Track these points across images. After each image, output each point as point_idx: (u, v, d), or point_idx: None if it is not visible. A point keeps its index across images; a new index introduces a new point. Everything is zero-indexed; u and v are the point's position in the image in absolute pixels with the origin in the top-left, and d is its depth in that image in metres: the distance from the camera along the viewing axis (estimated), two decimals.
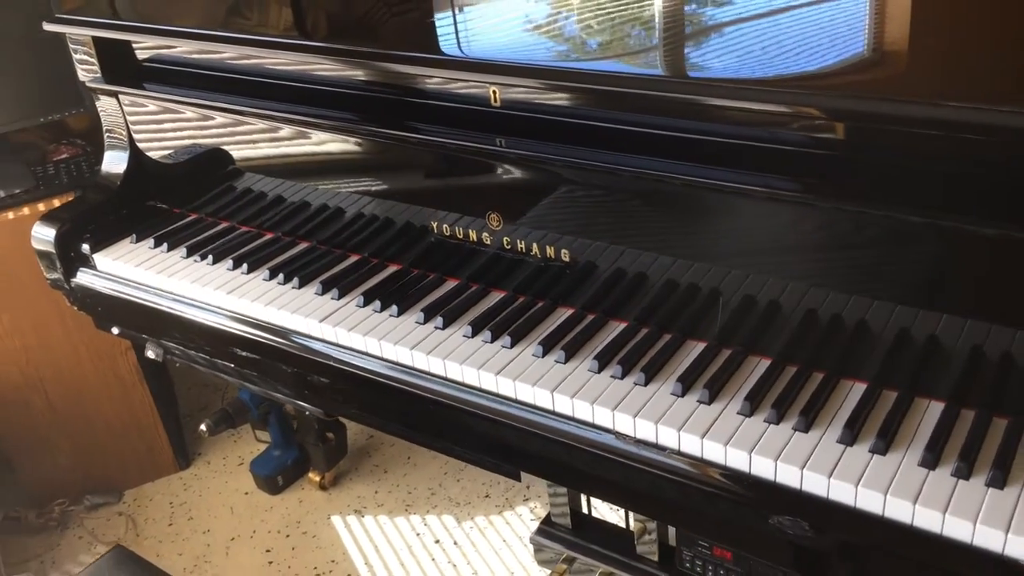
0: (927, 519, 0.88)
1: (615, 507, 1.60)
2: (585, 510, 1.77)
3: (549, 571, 1.77)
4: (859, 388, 1.02)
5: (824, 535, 0.93)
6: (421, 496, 2.09)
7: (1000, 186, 0.90)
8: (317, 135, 1.34)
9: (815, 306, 1.04)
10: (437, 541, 1.97)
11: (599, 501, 1.67)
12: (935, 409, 0.98)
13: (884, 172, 0.95)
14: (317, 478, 2.13)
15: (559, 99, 1.15)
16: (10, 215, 1.87)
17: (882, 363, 1.01)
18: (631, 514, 1.60)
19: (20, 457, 2.09)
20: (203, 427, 1.96)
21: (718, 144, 1.04)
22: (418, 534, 1.99)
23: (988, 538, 0.85)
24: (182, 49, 1.49)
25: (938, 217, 0.91)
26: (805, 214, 1.00)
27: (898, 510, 0.89)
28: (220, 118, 1.46)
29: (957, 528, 0.86)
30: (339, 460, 2.15)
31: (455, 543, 1.95)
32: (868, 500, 0.90)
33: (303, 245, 1.45)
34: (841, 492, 0.91)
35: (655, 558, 1.63)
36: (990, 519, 0.85)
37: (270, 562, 1.97)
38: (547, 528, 1.77)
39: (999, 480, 0.88)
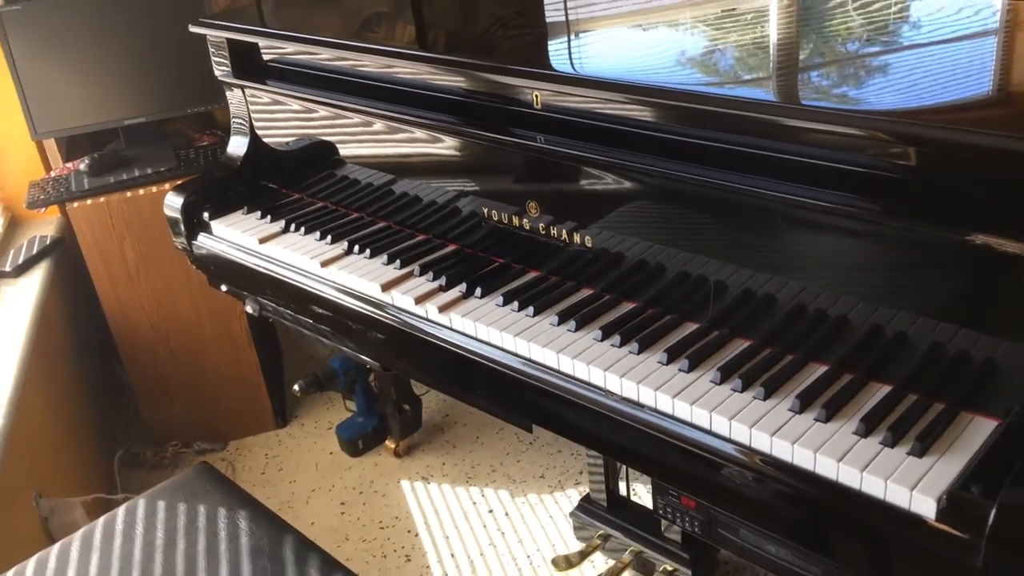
0: (848, 476, 1.00)
1: (644, 480, 1.73)
2: (623, 492, 1.93)
3: (584, 544, 1.93)
4: (821, 369, 1.15)
5: (763, 485, 1.07)
6: (483, 471, 2.28)
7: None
8: (408, 133, 1.57)
9: (806, 302, 1.18)
10: (491, 511, 2.15)
11: (634, 485, 1.80)
12: (882, 391, 1.10)
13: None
14: (392, 445, 2.36)
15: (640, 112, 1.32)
16: (153, 189, 2.19)
17: (847, 350, 1.14)
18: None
19: (145, 400, 2.41)
20: (296, 387, 2.22)
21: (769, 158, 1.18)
22: (474, 503, 2.18)
23: (906, 498, 0.97)
24: (296, 51, 1.75)
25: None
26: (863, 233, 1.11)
27: (825, 467, 1.02)
28: (322, 112, 1.71)
29: (873, 484, 0.99)
30: (413, 432, 2.38)
31: (506, 514, 2.14)
32: (802, 457, 1.04)
33: (380, 224, 1.68)
34: (782, 450, 1.05)
35: (678, 539, 1.78)
36: (902, 479, 0.97)
37: (342, 513, 2.21)
38: (586, 505, 1.94)
39: (918, 450, 1.00)
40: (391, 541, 2.11)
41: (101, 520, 1.45)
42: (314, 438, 2.47)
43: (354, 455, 2.38)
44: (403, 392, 2.32)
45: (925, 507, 0.95)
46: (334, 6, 2.01)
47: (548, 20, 1.69)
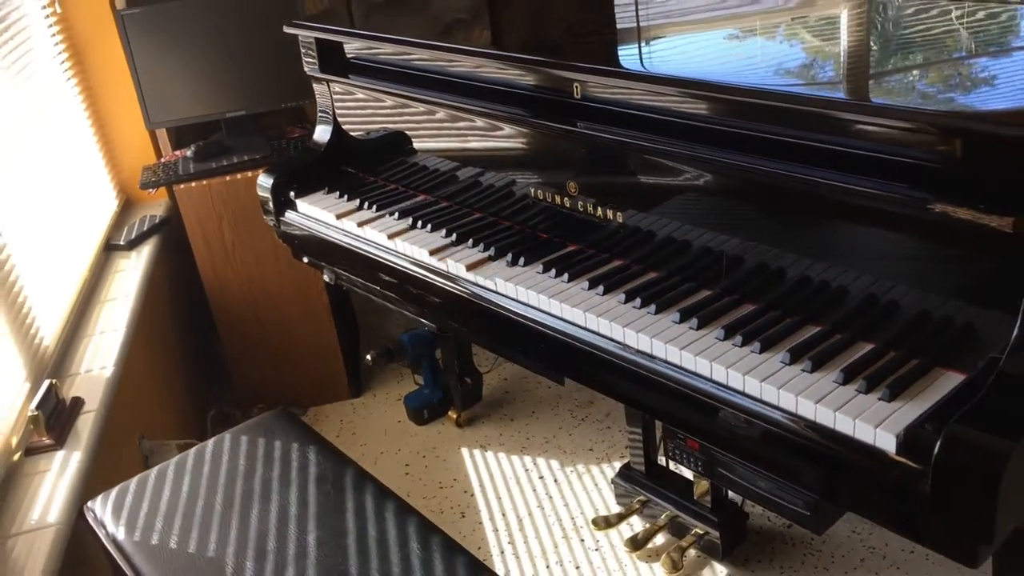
0: (824, 416, 1.15)
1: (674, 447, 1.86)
2: (662, 461, 2.08)
3: (623, 508, 2.09)
4: (815, 330, 1.29)
5: (752, 429, 1.21)
6: (537, 443, 2.46)
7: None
8: (467, 122, 1.76)
9: (808, 272, 1.33)
10: (541, 477, 2.33)
11: (671, 456, 1.94)
12: (866, 348, 1.24)
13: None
14: (455, 416, 2.55)
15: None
16: (249, 174, 2.44)
17: (839, 314, 1.28)
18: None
19: (235, 366, 2.66)
20: (368, 357, 2.44)
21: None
22: (526, 470, 2.36)
23: (871, 435, 1.11)
24: (373, 49, 1.97)
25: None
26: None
27: (806, 409, 1.16)
28: (393, 102, 1.92)
29: (844, 423, 1.13)
30: (474, 404, 2.57)
31: (555, 481, 2.31)
32: (786, 400, 1.18)
33: (442, 203, 1.88)
34: (770, 394, 1.20)
35: (709, 504, 1.92)
36: (869, 418, 1.11)
37: (406, 473, 2.41)
38: (626, 472, 2.10)
39: (887, 396, 1.14)
40: (448, 500, 2.30)
41: (193, 450, 1.69)
42: (384, 407, 2.69)
43: (419, 423, 2.59)
44: (465, 366, 2.51)
45: (886, 442, 1.09)
46: (410, 10, 2.22)
47: (618, 25, 1.86)
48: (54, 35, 2.45)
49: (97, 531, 1.54)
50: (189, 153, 2.53)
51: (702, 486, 1.93)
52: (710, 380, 1.27)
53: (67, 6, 2.50)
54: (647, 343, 1.35)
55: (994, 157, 1.08)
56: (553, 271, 1.55)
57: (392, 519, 1.44)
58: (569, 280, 1.52)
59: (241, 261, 2.52)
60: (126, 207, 2.73)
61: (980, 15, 1.53)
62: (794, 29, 1.66)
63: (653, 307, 1.40)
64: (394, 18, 2.28)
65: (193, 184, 2.44)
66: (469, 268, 1.63)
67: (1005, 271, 1.09)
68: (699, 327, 1.34)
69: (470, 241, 1.70)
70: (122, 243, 2.48)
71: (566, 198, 1.62)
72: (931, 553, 1.44)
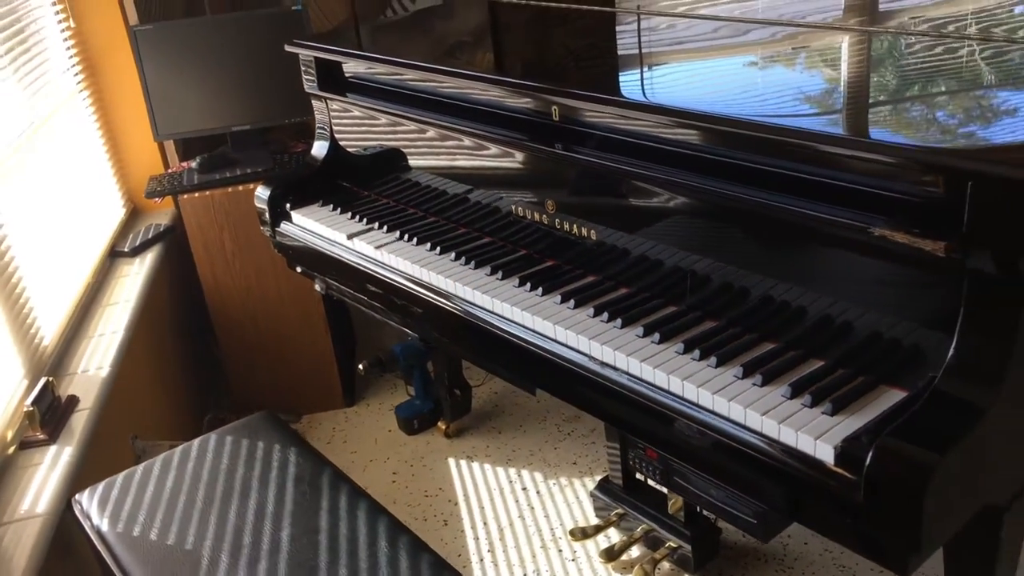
0: (769, 427, 1.20)
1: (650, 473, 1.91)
2: (640, 476, 2.12)
3: (601, 521, 2.14)
4: (770, 346, 1.35)
5: (704, 439, 1.27)
6: (522, 455, 2.51)
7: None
8: (455, 142, 1.83)
9: (767, 292, 1.38)
10: (524, 489, 2.38)
11: (644, 471, 1.98)
12: (816, 365, 1.29)
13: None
14: (443, 427, 2.61)
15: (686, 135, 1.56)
16: (251, 186, 2.52)
17: (793, 332, 1.34)
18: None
19: (233, 372, 2.73)
20: (360, 366, 2.50)
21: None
22: (510, 481, 2.41)
23: (812, 446, 1.16)
24: (368, 69, 2.05)
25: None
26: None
27: (753, 420, 1.22)
28: (387, 120, 1.99)
29: (787, 434, 1.18)
30: (463, 416, 2.62)
31: (537, 492, 2.36)
32: (736, 412, 1.24)
33: (430, 219, 1.94)
34: (721, 405, 1.25)
35: (682, 517, 1.97)
36: (811, 430, 1.16)
37: (393, 481, 2.47)
38: (605, 485, 2.14)
39: (830, 410, 1.19)
40: (432, 508, 2.35)
41: (180, 448, 1.75)
42: (376, 417, 2.75)
43: (409, 433, 2.65)
44: (455, 379, 2.57)
45: (825, 453, 1.14)
46: (416, 33, 2.31)
47: (618, 52, 1.93)
48: (69, 48, 2.54)
49: (83, 522, 1.60)
50: (194, 164, 2.62)
51: (676, 501, 1.98)
52: (666, 391, 1.32)
53: (82, 21, 2.60)
54: (610, 355, 1.40)
55: (928, 185, 1.13)
56: (528, 285, 1.61)
57: (363, 518, 1.50)
58: (543, 294, 1.58)
59: (241, 270, 2.60)
60: (133, 215, 2.81)
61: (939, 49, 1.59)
62: (775, 60, 1.73)
63: (619, 321, 1.46)
64: (401, 41, 2.37)
65: (196, 194, 2.52)
66: (450, 280, 1.69)
67: (941, 293, 1.14)
68: (660, 341, 1.40)
69: (452, 254, 1.76)
70: (126, 250, 2.56)
71: (544, 215, 1.68)
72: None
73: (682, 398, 1.31)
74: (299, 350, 2.71)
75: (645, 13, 2.17)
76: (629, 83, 1.74)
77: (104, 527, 1.56)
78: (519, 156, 1.71)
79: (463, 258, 1.74)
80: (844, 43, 1.74)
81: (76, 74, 2.57)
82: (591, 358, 1.43)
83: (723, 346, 1.36)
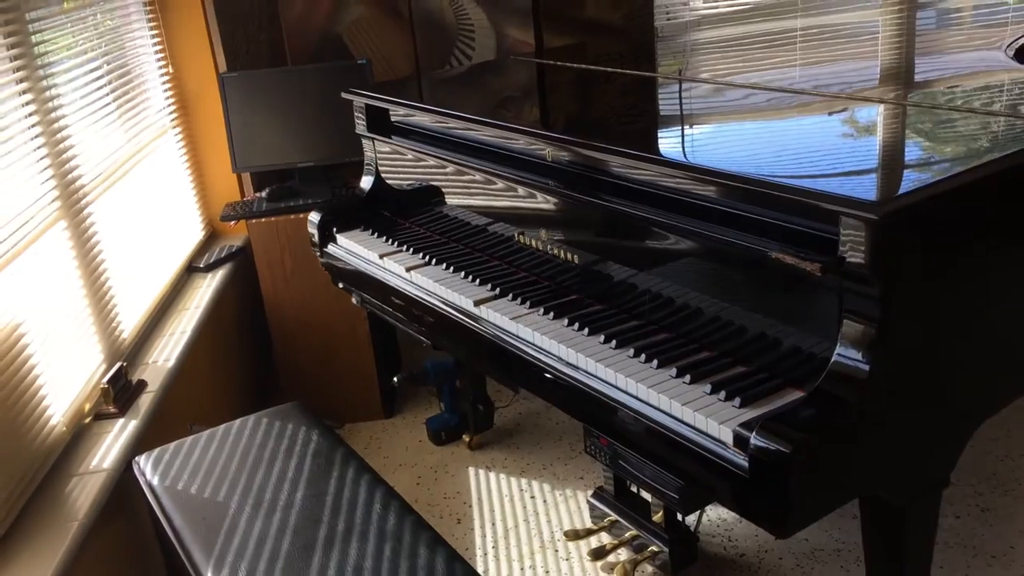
0: (688, 415, 1.44)
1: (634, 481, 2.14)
2: (633, 488, 2.34)
3: (597, 526, 2.36)
4: (705, 354, 1.59)
5: (638, 425, 1.51)
6: (535, 468, 2.75)
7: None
8: (485, 182, 2.13)
9: (705, 309, 1.63)
10: (532, 497, 2.62)
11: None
12: (739, 369, 1.52)
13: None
14: (467, 439, 2.88)
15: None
16: (311, 214, 2.87)
17: (723, 343, 1.57)
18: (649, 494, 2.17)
19: (285, 379, 3.05)
20: (395, 379, 2.80)
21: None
22: (521, 490, 2.65)
23: (718, 432, 1.39)
24: (408, 114, 2.37)
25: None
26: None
27: (677, 410, 1.46)
28: (428, 161, 2.31)
29: (700, 420, 1.42)
30: (485, 430, 2.89)
31: (544, 501, 2.60)
32: (665, 403, 1.48)
33: (452, 245, 2.24)
34: (652, 397, 1.50)
35: (661, 522, 2.19)
36: (719, 417, 1.40)
37: (417, 484, 2.74)
38: (599, 493, 2.37)
39: (738, 404, 1.42)
40: (449, 508, 2.61)
41: (223, 426, 2.06)
42: (410, 428, 3.03)
43: (437, 444, 2.92)
44: (479, 395, 2.84)
45: (727, 435, 1.37)
46: (471, 88, 2.63)
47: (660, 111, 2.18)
48: (166, 89, 2.95)
49: (139, 479, 1.92)
50: (264, 194, 2.98)
51: (659, 511, 2.20)
52: (614, 386, 1.57)
53: (179, 67, 3.02)
54: (574, 356, 1.66)
55: (805, 215, 1.37)
56: (519, 300, 1.88)
57: (364, 487, 1.78)
58: (530, 307, 1.85)
59: (297, 288, 2.94)
60: (211, 237, 3.19)
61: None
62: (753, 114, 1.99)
63: (586, 330, 1.72)
64: (451, 92, 2.69)
65: (264, 220, 2.88)
66: (471, 299, 1.97)
67: (825, 308, 1.37)
68: (616, 347, 1.65)
69: (462, 273, 2.05)
70: (201, 266, 2.93)
71: (537, 242, 1.96)
72: None
73: (626, 392, 1.55)
74: (345, 363, 3.02)
75: (686, 80, 2.43)
76: (655, 140, 1.98)
77: (155, 483, 1.88)
78: (517, 191, 1.99)
79: (470, 277, 2.03)
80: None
81: (171, 112, 2.98)
82: (559, 359, 1.69)
83: (665, 352, 1.60)
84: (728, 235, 1.51)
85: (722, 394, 1.45)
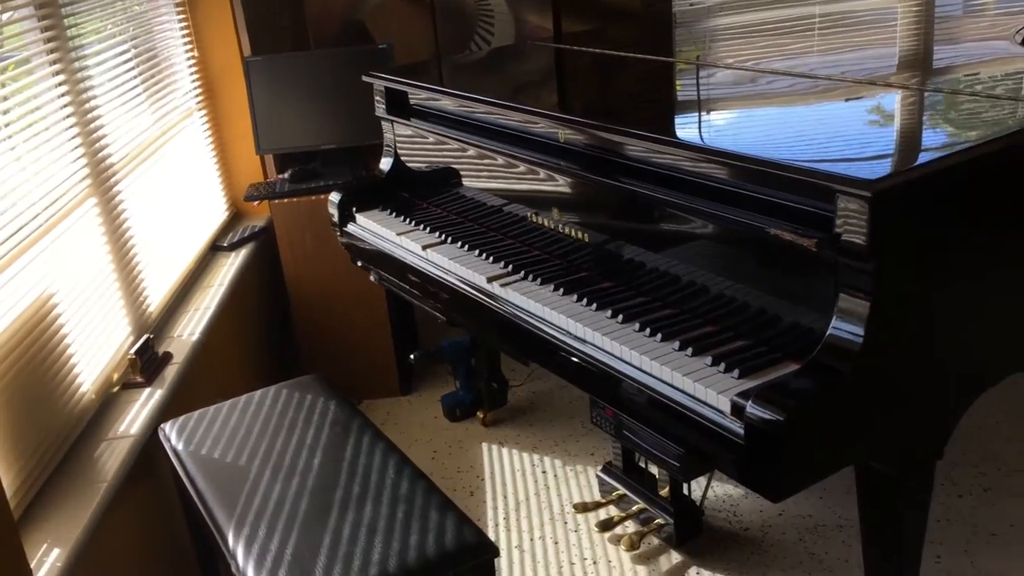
0: (689, 386, 1.49)
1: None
2: (641, 463, 2.41)
3: (605, 499, 2.43)
4: (708, 328, 1.64)
5: (641, 395, 1.57)
6: (547, 444, 2.82)
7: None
8: (493, 162, 2.19)
9: (708, 286, 1.69)
10: (544, 472, 2.69)
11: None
12: (739, 343, 1.58)
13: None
14: (481, 416, 2.95)
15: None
16: (332, 195, 2.94)
17: (725, 319, 1.63)
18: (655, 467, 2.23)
19: (306, 354, 3.13)
20: (412, 356, 2.87)
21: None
22: (533, 465, 2.72)
23: (716, 401, 1.45)
24: (428, 97, 2.44)
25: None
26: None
27: (679, 381, 1.51)
28: (442, 142, 2.37)
29: (701, 391, 1.47)
30: (499, 407, 2.96)
31: (555, 476, 2.66)
32: (668, 375, 1.54)
33: (467, 224, 2.30)
34: (656, 369, 1.56)
35: (667, 495, 2.25)
36: (717, 388, 1.45)
37: (432, 458, 2.81)
38: (608, 468, 2.44)
39: (737, 375, 1.48)
40: (462, 481, 2.69)
41: (245, 395, 2.14)
42: (426, 405, 3.11)
43: (452, 420, 2.99)
44: (493, 373, 2.91)
45: (724, 404, 1.43)
46: (491, 73, 2.69)
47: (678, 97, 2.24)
48: (192, 73, 3.03)
49: (164, 444, 2.01)
50: (286, 175, 3.06)
51: (665, 486, 2.26)
52: (619, 359, 1.64)
53: (205, 51, 3.10)
54: (582, 330, 1.72)
55: (807, 194, 1.42)
56: (530, 277, 1.95)
57: (379, 454, 1.85)
58: (540, 283, 1.92)
59: (318, 267, 3.01)
60: (235, 217, 3.28)
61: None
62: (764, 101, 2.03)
63: (594, 306, 1.78)
64: (471, 76, 2.75)
65: (286, 200, 2.96)
66: (484, 276, 2.03)
67: (824, 284, 1.42)
68: (623, 321, 1.71)
69: (476, 251, 2.12)
70: (225, 245, 3.01)
71: (550, 221, 2.02)
72: (860, 563, 1.74)
73: (630, 364, 1.62)
74: (363, 341, 3.10)
75: (703, 64, 2.47)
76: (666, 123, 2.03)
77: (180, 448, 1.96)
78: (533, 172, 2.05)
79: (484, 254, 2.09)
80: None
81: (197, 95, 3.06)
82: (568, 332, 1.76)
83: (668, 327, 1.66)
84: (730, 213, 1.57)
85: (722, 366, 1.51)
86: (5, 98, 1.89)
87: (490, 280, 1.97)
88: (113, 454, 1.93)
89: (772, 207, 1.52)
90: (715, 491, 2.52)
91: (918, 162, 1.37)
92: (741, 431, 1.38)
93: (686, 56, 2.67)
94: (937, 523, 2.34)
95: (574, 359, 1.74)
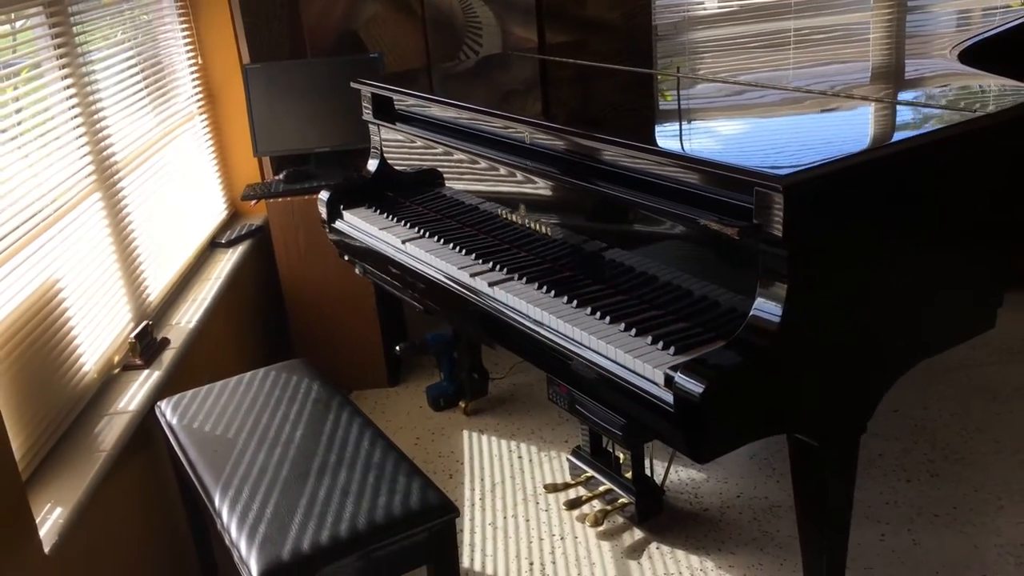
0: (630, 361, 1.65)
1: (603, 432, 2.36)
2: (607, 446, 2.57)
3: (574, 480, 2.59)
4: (654, 313, 1.80)
5: (590, 371, 1.73)
6: (524, 432, 2.98)
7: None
8: (472, 164, 2.36)
9: (652, 273, 1.85)
10: (519, 457, 2.85)
11: (609, 441, 2.44)
12: (680, 325, 1.74)
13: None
14: (463, 405, 3.11)
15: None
16: (321, 193, 3.11)
17: (667, 303, 1.79)
18: (619, 449, 2.39)
19: (298, 346, 3.30)
20: (397, 349, 3.04)
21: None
22: (510, 451, 2.88)
23: (652, 374, 1.61)
24: (411, 103, 2.61)
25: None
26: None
27: (621, 357, 1.67)
28: (427, 144, 2.54)
29: (639, 365, 1.63)
30: (479, 397, 3.12)
31: (530, 461, 2.82)
32: (613, 352, 1.70)
33: (448, 222, 2.47)
34: (602, 347, 1.72)
35: (630, 476, 2.41)
36: (653, 362, 1.61)
37: (415, 444, 2.98)
38: (577, 451, 2.60)
39: (672, 352, 1.64)
40: (443, 464, 2.85)
41: (235, 376, 2.31)
42: (412, 396, 3.27)
43: (436, 409, 3.15)
44: (474, 364, 3.07)
45: (659, 377, 1.59)
46: (478, 81, 2.86)
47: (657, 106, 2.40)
48: (194, 79, 3.21)
49: (160, 420, 2.17)
50: (281, 176, 3.23)
51: (628, 468, 2.42)
52: (571, 339, 1.80)
53: (206, 58, 3.28)
54: (539, 314, 1.89)
55: (735, 189, 1.59)
56: (499, 267, 2.11)
57: (356, 428, 2.02)
58: (507, 273, 2.08)
59: (311, 264, 3.18)
60: (234, 216, 3.45)
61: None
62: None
63: (552, 293, 1.94)
64: (458, 84, 2.92)
65: (281, 200, 3.13)
66: (456, 266, 2.20)
67: (751, 270, 1.58)
68: (577, 306, 1.87)
69: (451, 245, 2.28)
70: (223, 242, 3.19)
71: (517, 217, 2.19)
72: None
73: (580, 343, 1.78)
74: (353, 334, 3.26)
75: (684, 76, 2.62)
76: (631, 128, 2.18)
77: (174, 423, 2.13)
78: (516, 176, 2.21)
79: (458, 247, 2.26)
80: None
81: (198, 100, 3.24)
82: (527, 316, 1.92)
83: (617, 311, 1.82)
84: (671, 207, 1.73)
85: (660, 344, 1.67)
86: (17, 99, 2.07)
87: (461, 270, 2.14)
88: (112, 427, 2.10)
89: (709, 202, 1.68)
90: (679, 475, 2.68)
91: (826, 159, 1.53)
92: (671, 400, 1.54)
93: (664, 67, 2.83)
94: (885, 505, 2.49)
95: (533, 340, 1.90)
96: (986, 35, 2.48)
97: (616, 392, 1.70)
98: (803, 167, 1.50)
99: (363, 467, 1.87)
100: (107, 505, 1.98)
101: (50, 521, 1.78)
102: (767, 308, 1.54)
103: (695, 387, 1.48)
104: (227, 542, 1.71)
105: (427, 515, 1.74)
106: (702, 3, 3.86)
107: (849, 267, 1.60)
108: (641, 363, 1.63)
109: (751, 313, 1.56)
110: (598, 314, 1.82)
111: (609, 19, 3.60)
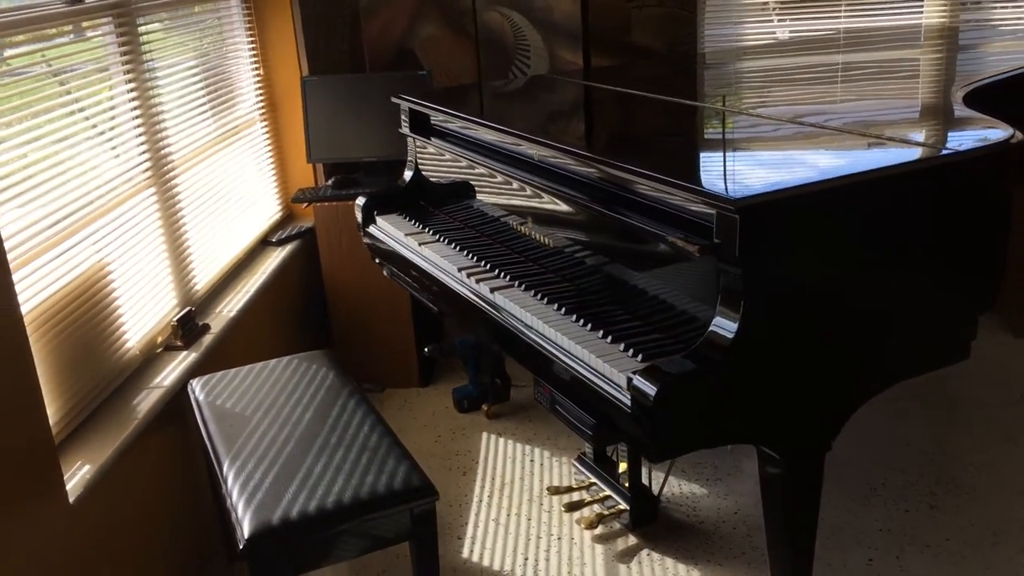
0: (600, 366, 1.78)
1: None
2: (610, 454, 2.68)
3: (577, 485, 2.70)
4: (633, 322, 1.92)
5: (566, 373, 1.86)
6: (540, 438, 3.10)
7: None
8: (502, 182, 2.51)
9: (632, 282, 1.97)
10: (532, 460, 2.97)
11: (613, 449, 2.55)
12: (654, 335, 1.85)
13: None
14: (486, 408, 3.25)
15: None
16: (358, 199, 3.30)
17: (643, 313, 1.91)
18: (618, 455, 2.50)
19: (337, 342, 3.50)
20: (426, 350, 3.20)
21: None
22: (524, 454, 3.01)
23: (617, 377, 1.72)
24: (444, 120, 2.78)
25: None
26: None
27: (593, 361, 1.80)
28: (458, 160, 2.71)
29: (607, 369, 1.75)
30: (501, 402, 3.26)
31: (541, 465, 2.95)
32: (586, 356, 1.82)
33: (470, 231, 2.63)
34: (576, 350, 1.84)
35: (627, 483, 2.52)
36: (620, 366, 1.73)
37: (436, 441, 3.13)
38: (581, 458, 2.72)
39: (641, 358, 1.75)
40: (458, 462, 2.99)
41: (262, 362, 2.51)
42: (440, 397, 3.43)
43: (460, 411, 3.31)
44: (497, 370, 3.22)
45: (623, 380, 1.71)
46: (523, 102, 3.02)
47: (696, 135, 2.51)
48: (257, 88, 3.46)
49: (191, 396, 2.38)
50: (330, 182, 3.45)
51: (625, 476, 2.53)
52: (553, 342, 1.93)
53: (268, 69, 3.52)
54: (529, 318, 2.02)
55: (703, 209, 1.70)
56: (502, 274, 2.26)
57: (359, 415, 2.18)
58: (508, 280, 2.22)
59: (352, 266, 3.38)
60: (288, 217, 3.68)
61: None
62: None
63: (545, 300, 2.08)
64: (503, 103, 3.08)
65: (327, 204, 3.34)
66: (460, 269, 2.36)
67: (708, 283, 1.69)
68: (564, 313, 2.00)
69: (465, 252, 2.44)
70: (274, 240, 3.41)
71: (527, 230, 2.33)
72: None
73: (560, 347, 1.91)
74: (388, 334, 3.44)
75: (729, 111, 2.72)
76: (648, 155, 2.32)
77: (201, 399, 2.33)
78: (528, 191, 2.36)
79: (467, 252, 2.41)
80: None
81: (260, 107, 3.48)
82: (515, 317, 2.06)
83: (600, 319, 1.94)
84: (647, 223, 1.85)
85: (631, 351, 1.79)
86: (83, 99, 2.31)
87: (460, 269, 2.29)
88: (148, 400, 2.31)
89: (692, 224, 1.79)
90: (680, 488, 2.76)
91: (783, 185, 1.63)
92: (629, 401, 1.66)
93: (709, 96, 2.93)
94: (879, 531, 2.54)
95: (523, 342, 2.03)
96: (994, 79, 2.54)
97: (587, 393, 1.82)
98: (759, 192, 1.61)
99: (359, 449, 2.03)
100: (133, 467, 2.19)
101: (78, 476, 1.99)
102: (723, 324, 1.64)
103: (649, 389, 1.59)
104: (227, 505, 1.89)
105: (408, 496, 1.89)
106: (751, 35, 3.95)
107: (805, 291, 1.69)
108: (608, 367, 1.75)
109: (709, 328, 1.67)
110: (581, 321, 1.95)
111: (652, 46, 3.72)
